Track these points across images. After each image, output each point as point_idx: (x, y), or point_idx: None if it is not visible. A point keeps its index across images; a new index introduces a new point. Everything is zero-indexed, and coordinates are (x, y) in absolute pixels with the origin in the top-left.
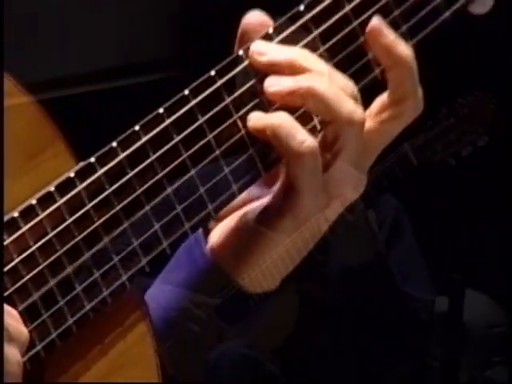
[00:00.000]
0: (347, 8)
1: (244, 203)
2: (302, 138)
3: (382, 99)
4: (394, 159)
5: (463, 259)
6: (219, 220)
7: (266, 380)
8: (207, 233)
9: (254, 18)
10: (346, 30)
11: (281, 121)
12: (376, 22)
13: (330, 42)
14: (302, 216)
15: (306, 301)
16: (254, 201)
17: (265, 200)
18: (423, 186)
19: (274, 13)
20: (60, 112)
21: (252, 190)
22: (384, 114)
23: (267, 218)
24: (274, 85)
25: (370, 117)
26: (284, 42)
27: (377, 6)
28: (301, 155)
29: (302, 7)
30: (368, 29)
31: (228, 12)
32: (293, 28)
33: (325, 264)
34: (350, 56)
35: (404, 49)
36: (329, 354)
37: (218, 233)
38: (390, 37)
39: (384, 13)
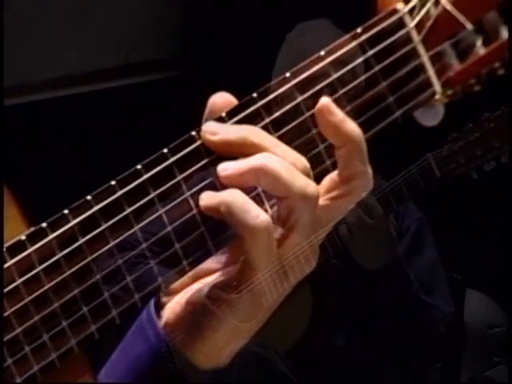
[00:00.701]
0: (299, 99)
1: (197, 277)
2: (256, 213)
3: (331, 177)
4: (416, 169)
5: (463, 259)
6: (173, 294)
7: (278, 380)
8: (161, 306)
9: (221, 98)
10: (298, 121)
11: (234, 197)
12: (325, 100)
13: (282, 131)
14: (257, 291)
15: (319, 303)
16: (207, 275)
17: (218, 275)
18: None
19: (269, 12)
20: (60, 112)
21: (206, 264)
22: (334, 192)
23: (221, 292)
24: (226, 169)
25: (321, 194)
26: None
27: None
28: (255, 229)
29: (254, 94)
30: (317, 107)
31: (228, 12)
32: (245, 113)
33: (340, 267)
34: (301, 146)
35: (353, 127)
36: (341, 355)
37: (172, 307)
38: (339, 115)
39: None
